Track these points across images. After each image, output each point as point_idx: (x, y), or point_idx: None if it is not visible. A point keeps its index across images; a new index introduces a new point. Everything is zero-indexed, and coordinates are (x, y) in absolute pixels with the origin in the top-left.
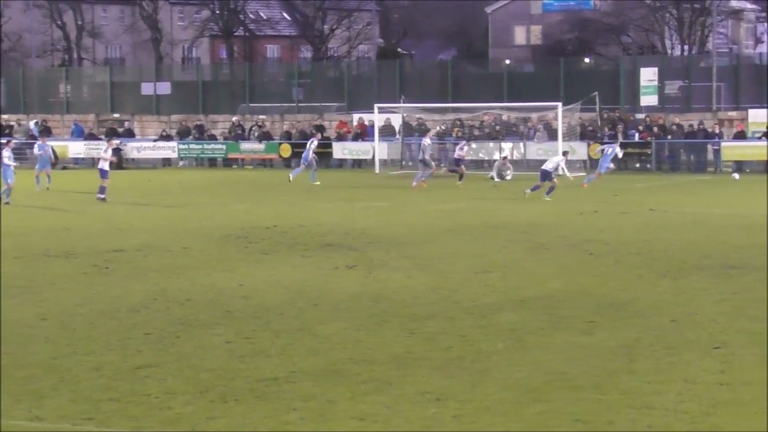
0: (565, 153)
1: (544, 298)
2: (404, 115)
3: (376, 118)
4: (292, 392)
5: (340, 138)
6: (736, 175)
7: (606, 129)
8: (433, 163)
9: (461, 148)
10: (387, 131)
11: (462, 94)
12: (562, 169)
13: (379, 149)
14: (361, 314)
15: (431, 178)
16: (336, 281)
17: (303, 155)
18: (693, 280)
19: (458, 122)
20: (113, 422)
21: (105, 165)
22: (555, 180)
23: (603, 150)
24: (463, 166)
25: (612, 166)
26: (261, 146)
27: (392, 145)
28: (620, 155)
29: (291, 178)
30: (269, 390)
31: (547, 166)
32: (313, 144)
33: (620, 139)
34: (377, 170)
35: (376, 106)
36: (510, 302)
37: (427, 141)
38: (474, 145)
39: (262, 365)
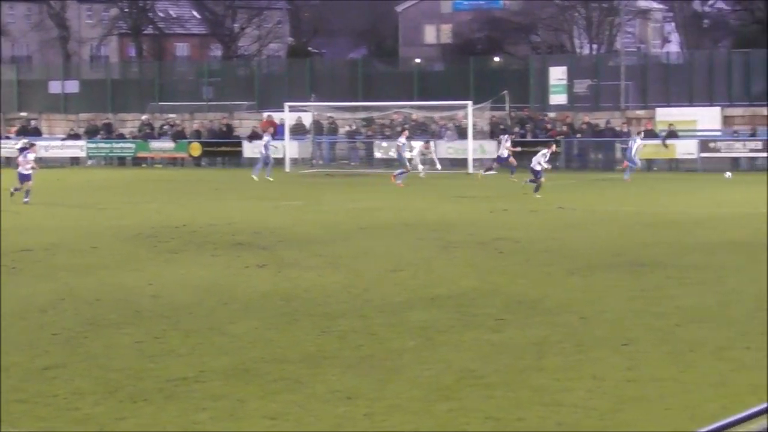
0: (553, 143)
1: (455, 296)
2: (315, 113)
3: (287, 116)
4: (202, 392)
5: (254, 136)
6: (729, 174)
7: (516, 128)
8: (407, 163)
9: (506, 141)
10: (298, 130)
11: (373, 92)
12: (539, 164)
13: (290, 148)
14: (271, 313)
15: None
16: (246, 280)
17: (262, 152)
18: (602, 277)
19: (369, 121)
20: (21, 423)
21: (25, 169)
22: (542, 179)
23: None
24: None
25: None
26: (171, 145)
27: (303, 143)
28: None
29: (254, 177)
30: (179, 390)
31: (534, 165)
32: (266, 140)
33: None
34: (288, 169)
35: (286, 104)
36: (421, 300)
37: (402, 140)
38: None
39: (172, 365)
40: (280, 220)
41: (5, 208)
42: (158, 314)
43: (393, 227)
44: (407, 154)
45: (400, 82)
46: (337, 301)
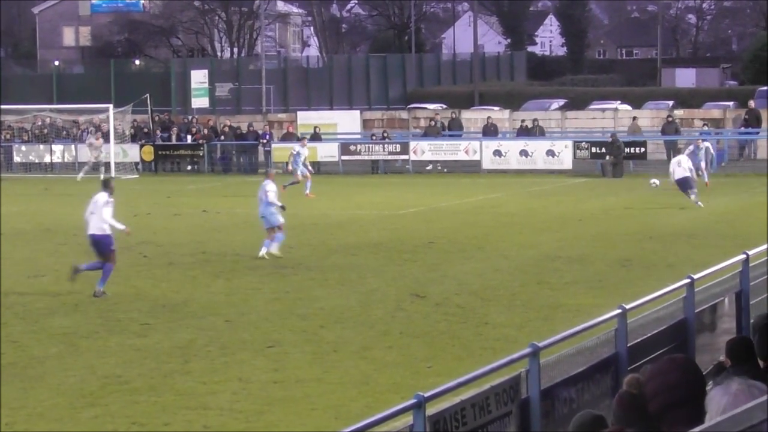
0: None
1: (98, 301)
2: None
3: None
4: None
5: None
6: (656, 181)
7: (158, 131)
8: (299, 172)
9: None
10: None
11: (10, 95)
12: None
13: None
14: None
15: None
16: None
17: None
18: (246, 280)
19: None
20: None
21: None
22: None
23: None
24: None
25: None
26: None
27: None
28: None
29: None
30: None
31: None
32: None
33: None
34: None
35: None
36: (63, 306)
37: (297, 148)
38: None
39: None
40: None
41: None
42: None
43: (31, 233)
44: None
45: (39, 85)
46: None
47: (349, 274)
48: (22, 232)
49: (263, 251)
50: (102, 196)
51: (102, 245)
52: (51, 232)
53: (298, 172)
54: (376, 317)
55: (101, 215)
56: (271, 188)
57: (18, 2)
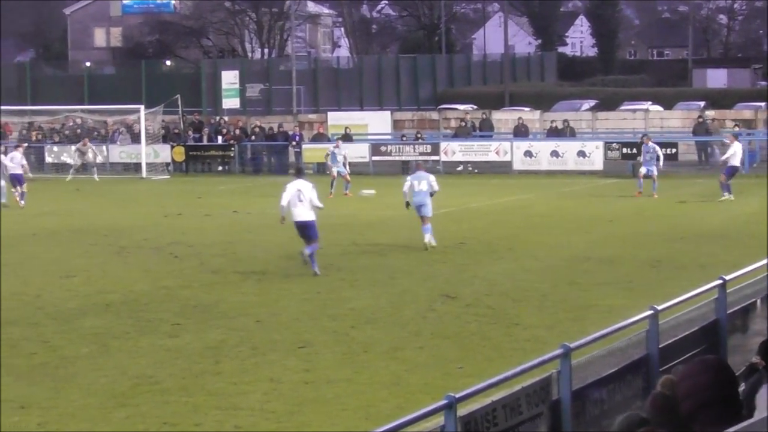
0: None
1: (129, 301)
2: None
3: None
4: None
5: None
6: (366, 191)
7: (190, 132)
8: (334, 170)
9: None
10: None
11: (42, 96)
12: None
13: None
14: None
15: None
16: None
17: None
18: (277, 281)
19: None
20: None
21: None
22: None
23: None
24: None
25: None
26: None
27: None
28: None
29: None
30: None
31: None
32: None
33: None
34: None
35: None
36: (94, 306)
37: (331, 148)
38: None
39: None
40: None
41: None
42: None
43: (64, 233)
44: None
45: (70, 86)
46: (7, 308)
47: (379, 274)
48: (53, 233)
49: (427, 238)
50: (305, 185)
51: (312, 229)
52: (82, 232)
53: (334, 171)
54: (407, 318)
55: (311, 201)
56: (432, 178)
57: (49, 2)
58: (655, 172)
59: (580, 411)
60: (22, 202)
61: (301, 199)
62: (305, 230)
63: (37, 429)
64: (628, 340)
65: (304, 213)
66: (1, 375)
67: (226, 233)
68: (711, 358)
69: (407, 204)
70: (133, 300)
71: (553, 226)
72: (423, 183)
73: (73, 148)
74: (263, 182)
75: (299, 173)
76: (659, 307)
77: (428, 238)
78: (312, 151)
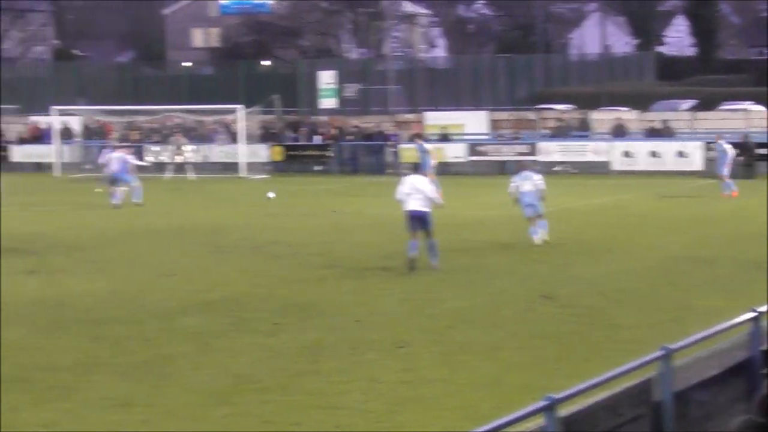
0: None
1: (228, 300)
2: (83, 117)
3: (54, 120)
4: None
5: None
6: (271, 194)
7: (290, 131)
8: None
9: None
10: (66, 134)
11: (141, 96)
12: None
13: (58, 152)
14: (42, 320)
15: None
16: (15, 287)
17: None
18: (375, 280)
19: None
20: None
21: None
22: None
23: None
24: None
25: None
26: None
27: (72, 148)
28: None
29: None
30: None
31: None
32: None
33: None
34: (58, 174)
35: (53, 108)
36: (194, 305)
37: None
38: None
39: None
40: (49, 226)
41: None
42: None
43: (163, 232)
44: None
45: (169, 86)
46: (109, 307)
47: (477, 274)
48: (154, 231)
49: (537, 237)
50: (421, 179)
51: (427, 221)
52: (183, 231)
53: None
54: (505, 318)
55: (428, 193)
56: (537, 178)
57: (148, 2)
58: (725, 172)
59: (683, 413)
60: (119, 201)
61: (417, 190)
62: (420, 221)
63: (140, 426)
64: (729, 342)
65: (419, 204)
66: (102, 373)
67: (325, 233)
68: None
69: (516, 200)
70: (232, 299)
71: (651, 226)
72: (527, 183)
73: (169, 146)
74: (361, 182)
75: (416, 169)
76: (761, 310)
77: (541, 234)
78: (409, 151)
